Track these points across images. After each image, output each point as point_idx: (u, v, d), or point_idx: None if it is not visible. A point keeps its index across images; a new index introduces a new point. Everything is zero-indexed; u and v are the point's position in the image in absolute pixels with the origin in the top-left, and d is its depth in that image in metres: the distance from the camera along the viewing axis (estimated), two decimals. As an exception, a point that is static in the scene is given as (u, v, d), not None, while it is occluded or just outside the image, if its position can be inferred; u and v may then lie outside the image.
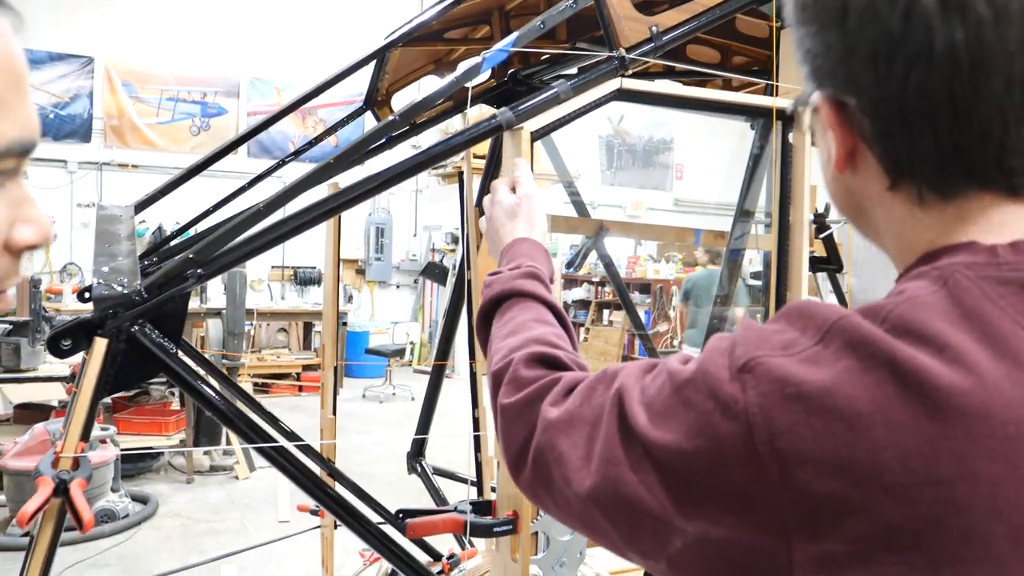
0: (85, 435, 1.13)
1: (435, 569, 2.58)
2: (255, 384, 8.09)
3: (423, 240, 11.17)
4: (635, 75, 1.52)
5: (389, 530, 1.49)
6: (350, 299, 10.27)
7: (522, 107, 1.32)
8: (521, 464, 0.77)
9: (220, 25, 9.60)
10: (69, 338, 1.13)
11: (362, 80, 2.48)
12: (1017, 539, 0.52)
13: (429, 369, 10.47)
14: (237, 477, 5.70)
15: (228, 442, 5.94)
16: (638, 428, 0.63)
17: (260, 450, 1.23)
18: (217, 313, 6.73)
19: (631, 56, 1.41)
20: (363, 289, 10.78)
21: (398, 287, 11.12)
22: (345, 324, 9.56)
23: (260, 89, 9.92)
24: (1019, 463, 0.52)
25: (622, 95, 1.42)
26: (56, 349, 1.11)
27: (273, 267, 9.96)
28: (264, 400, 8.11)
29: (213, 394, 1.23)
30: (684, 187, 12.56)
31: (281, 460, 1.25)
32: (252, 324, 8.45)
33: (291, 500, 5.22)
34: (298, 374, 8.97)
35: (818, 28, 0.63)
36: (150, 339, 1.17)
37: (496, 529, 1.34)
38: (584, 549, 1.47)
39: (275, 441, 1.25)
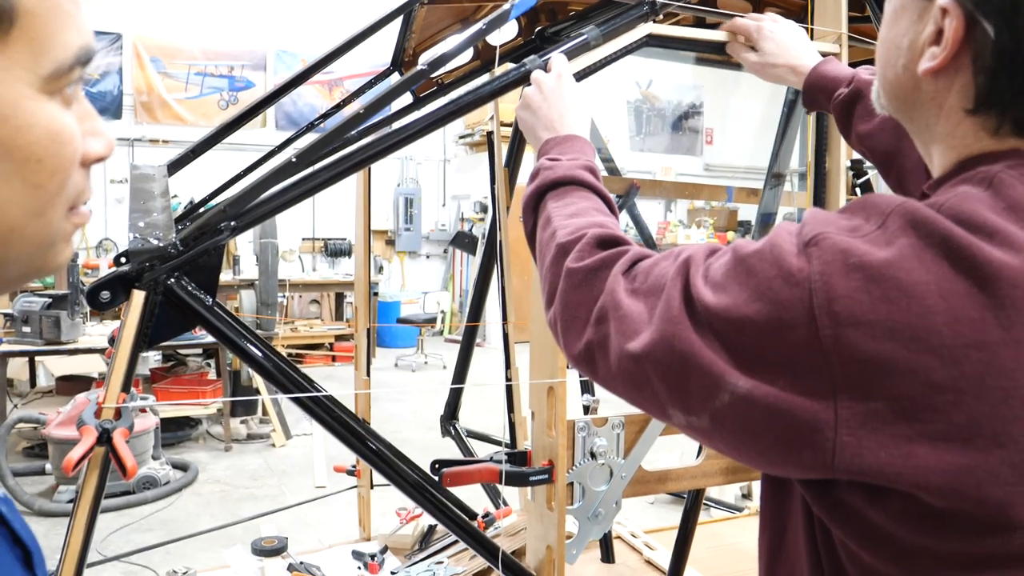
0: (126, 386, 1.15)
1: (470, 528, 2.60)
2: (289, 354, 8.18)
3: (452, 210, 11.16)
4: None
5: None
6: (380, 270, 10.32)
7: (551, 53, 1.30)
8: (578, 325, 0.79)
9: (245, -2, 9.59)
10: (108, 290, 1.15)
11: (388, 49, 2.47)
12: None
13: (460, 338, 10.57)
14: (274, 445, 5.79)
15: (264, 412, 6.03)
16: (700, 295, 0.66)
17: (299, 401, 1.24)
18: (250, 284, 6.81)
19: (661, 1, 1.38)
20: (393, 260, 10.82)
21: (428, 257, 11.14)
22: (376, 294, 9.63)
23: (287, 62, 9.92)
24: None
25: (652, 41, 1.40)
26: (95, 301, 1.13)
27: (304, 239, 10.03)
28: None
29: (250, 345, 1.24)
30: (714, 152, 12.39)
31: (320, 412, 1.26)
32: (285, 295, 8.53)
33: (327, 466, 5.31)
34: (331, 344, 9.06)
35: None
36: (186, 291, 1.18)
37: (532, 478, 1.35)
38: (620, 499, 1.48)
39: (314, 393, 1.26)
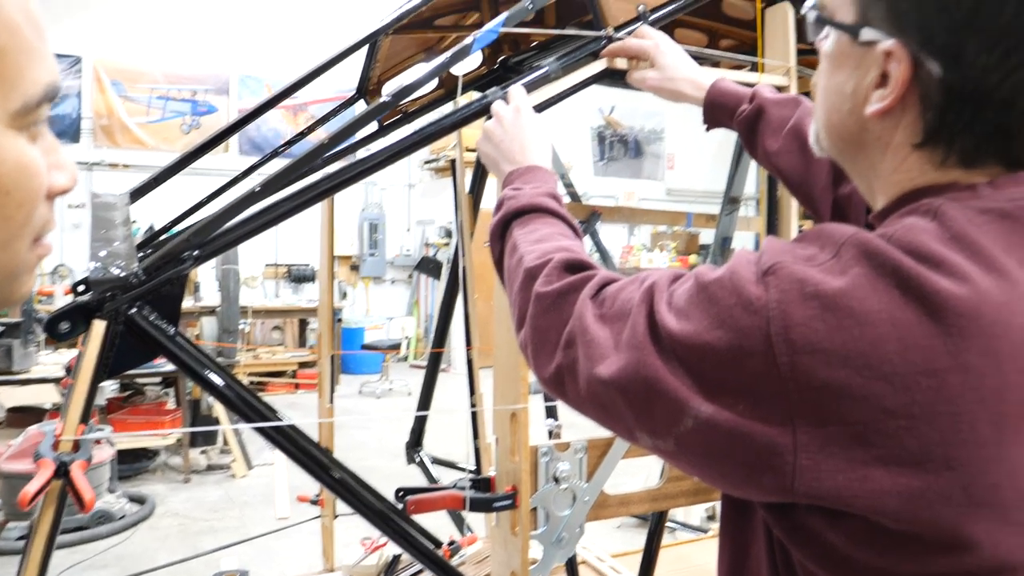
0: (85, 418, 1.14)
1: (435, 556, 2.59)
2: (251, 382, 8.08)
3: (417, 235, 11.16)
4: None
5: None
6: (344, 295, 10.26)
7: (512, 85, 1.33)
8: (548, 349, 0.81)
9: (209, 22, 9.56)
10: (67, 320, 1.14)
11: (352, 75, 2.48)
12: (998, 424, 0.58)
13: (425, 364, 10.46)
14: (234, 475, 5.70)
15: (225, 442, 5.94)
16: (664, 322, 0.68)
17: (262, 431, 1.23)
18: (212, 311, 6.73)
19: (618, 36, 1.42)
20: (357, 285, 10.77)
21: (392, 282, 11.11)
22: (340, 320, 9.55)
23: (251, 87, 9.89)
24: (1002, 358, 0.58)
25: (611, 74, 1.43)
26: (54, 331, 1.12)
27: (267, 265, 9.95)
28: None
29: (213, 375, 1.23)
30: (676, 176, 12.57)
31: (283, 441, 1.26)
32: (247, 322, 8.44)
33: (290, 496, 5.23)
34: (294, 372, 8.97)
35: None
36: (148, 321, 1.17)
37: (496, 504, 1.36)
38: (583, 524, 1.49)
39: (278, 422, 1.26)
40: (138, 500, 4.98)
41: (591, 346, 0.75)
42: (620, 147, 12.20)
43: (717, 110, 1.25)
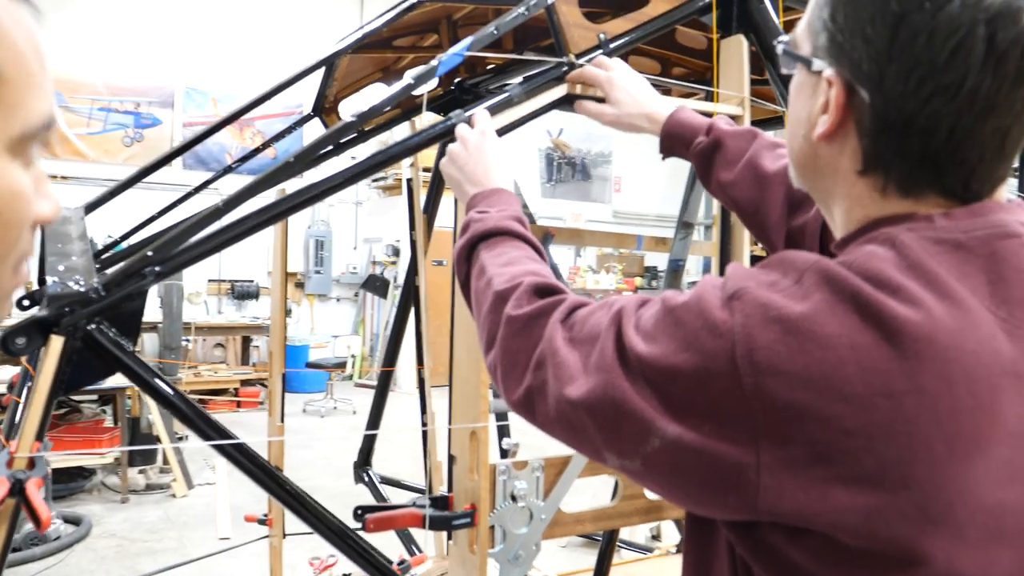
0: (40, 435, 1.12)
1: (385, 576, 2.58)
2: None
3: (363, 253, 11.09)
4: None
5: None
6: (289, 313, 10.12)
7: (476, 108, 1.36)
8: (518, 371, 0.83)
9: (153, 33, 9.41)
10: (23, 336, 1.12)
11: (300, 90, 2.48)
12: (951, 444, 0.61)
13: (370, 382, 10.34)
14: (175, 495, 5.56)
15: (165, 461, 5.80)
16: (632, 345, 0.69)
17: (220, 448, 1.23)
18: (153, 327, 6.57)
19: (580, 62, 1.45)
20: (302, 303, 10.64)
21: (338, 300, 11.01)
22: (285, 340, 9.41)
23: (196, 100, 9.75)
24: (955, 381, 0.61)
25: (572, 99, 1.47)
26: (9, 347, 1.10)
27: (210, 280, 9.77)
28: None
29: (170, 392, 1.22)
30: (622, 199, 12.76)
31: (241, 458, 1.25)
32: (189, 339, 8.27)
33: (231, 516, 5.13)
34: (236, 390, 8.80)
35: (867, 21, 0.68)
36: (107, 337, 1.16)
37: (455, 522, 1.36)
38: (539, 541, 1.50)
39: (234, 439, 1.25)
40: (73, 521, 4.82)
41: (561, 368, 0.76)
42: (568, 169, 12.34)
43: (674, 141, 1.27)
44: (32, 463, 1.09)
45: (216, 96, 9.83)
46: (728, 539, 0.73)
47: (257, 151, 2.64)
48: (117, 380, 5.31)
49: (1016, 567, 0.64)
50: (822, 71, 0.72)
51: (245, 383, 8.85)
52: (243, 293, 9.92)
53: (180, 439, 6.01)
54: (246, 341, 9.60)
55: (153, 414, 5.66)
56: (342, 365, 9.16)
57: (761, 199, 1.12)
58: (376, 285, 10.29)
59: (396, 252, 10.39)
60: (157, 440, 5.72)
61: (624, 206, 12.67)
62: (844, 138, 0.73)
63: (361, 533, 1.40)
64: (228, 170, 2.57)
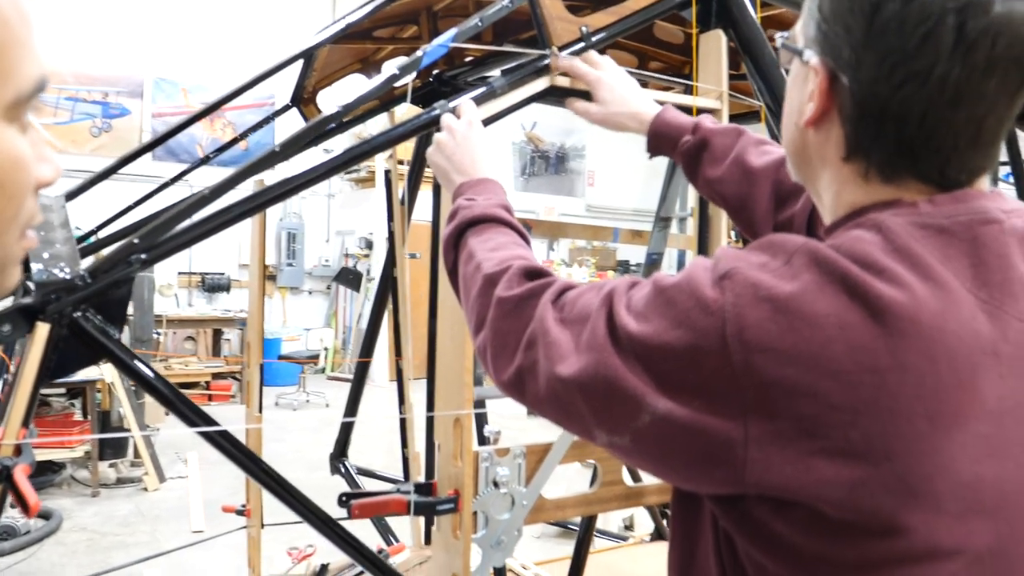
0: (26, 421, 1.12)
1: (359, 569, 2.59)
2: (162, 394, 7.82)
3: (336, 246, 11.04)
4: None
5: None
6: (261, 306, 10.06)
7: (458, 100, 1.37)
8: (508, 352, 0.84)
9: (122, 22, 9.27)
10: (8, 323, 1.12)
11: (272, 82, 2.47)
12: (932, 419, 0.63)
13: (343, 375, 10.29)
14: (146, 489, 5.51)
15: (136, 454, 5.74)
16: (624, 324, 0.71)
17: (206, 434, 1.23)
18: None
19: (562, 55, 1.47)
20: (274, 295, 10.57)
21: (311, 293, 10.95)
22: (263, 331, 9.35)
23: (165, 90, 9.63)
24: (938, 359, 0.64)
25: (554, 91, 1.49)
26: (-5, 334, 1.10)
27: (180, 273, 9.67)
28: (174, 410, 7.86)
29: (156, 379, 1.23)
30: (595, 193, 12.82)
31: (226, 444, 1.26)
32: (160, 332, 8.18)
33: (204, 510, 5.10)
34: (207, 383, 8.73)
35: (848, 10, 0.71)
36: (93, 324, 1.16)
37: (439, 508, 1.38)
38: (521, 527, 1.53)
39: (218, 426, 1.26)
40: (43, 515, 4.77)
41: (552, 347, 0.78)
42: (541, 163, 12.37)
43: (660, 141, 1.30)
44: (19, 450, 1.09)
45: (186, 86, 9.71)
46: (713, 514, 0.75)
47: (233, 143, 2.64)
48: (87, 373, 5.27)
49: (992, 538, 0.66)
50: (810, 62, 0.75)
51: (216, 376, 8.78)
52: (214, 286, 9.84)
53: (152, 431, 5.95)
54: (217, 334, 9.52)
55: (124, 407, 5.60)
56: (314, 358, 9.13)
57: (748, 194, 1.15)
58: (349, 278, 10.25)
59: (369, 245, 10.35)
60: (128, 433, 5.66)
61: (597, 200, 12.73)
62: (829, 125, 0.76)
63: (342, 522, 1.42)
64: (205, 161, 2.56)
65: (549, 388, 0.78)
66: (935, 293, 0.65)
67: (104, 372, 5.46)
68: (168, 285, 9.25)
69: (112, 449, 5.66)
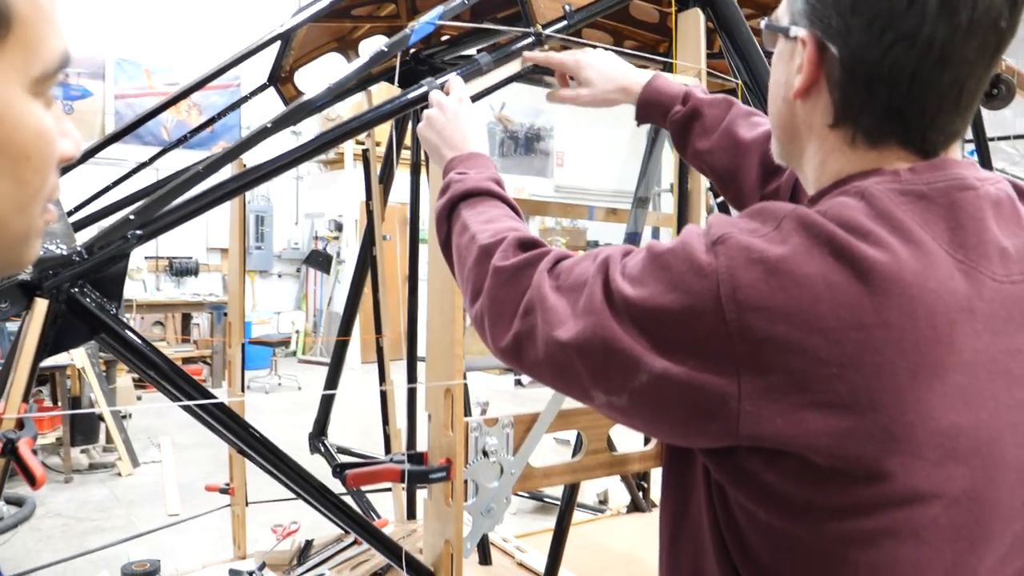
0: (26, 396, 1.13)
1: (347, 540, 2.63)
2: (133, 380, 7.75)
3: (305, 228, 10.96)
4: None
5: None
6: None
7: (447, 77, 1.39)
8: (505, 320, 0.87)
9: (83, 1, 9.07)
10: (6, 299, 1.13)
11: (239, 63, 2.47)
12: (914, 371, 0.68)
13: (315, 358, 10.21)
14: (120, 474, 5.48)
15: (108, 439, 5.70)
16: (620, 289, 0.75)
17: (203, 408, 1.25)
18: (91, 305, 6.41)
19: (547, 32, 1.50)
20: (244, 280, 10.48)
21: (280, 276, 10.88)
22: (225, 315, 9.29)
23: (128, 71, 9.45)
24: (918, 315, 0.68)
25: (538, 68, 1.52)
26: (-5, 310, 1.11)
27: (147, 258, 9.55)
28: (144, 395, 7.79)
29: (155, 356, 1.25)
30: (564, 174, 12.86)
31: (224, 418, 1.28)
32: (128, 317, 8.09)
33: (180, 493, 5.08)
34: (177, 368, 8.65)
35: None
36: (90, 299, 1.18)
37: (432, 476, 1.42)
38: (509, 495, 1.57)
39: (214, 400, 1.28)
40: (16, 502, 4.72)
41: (550, 313, 0.81)
42: (510, 143, 12.37)
43: (651, 109, 1.31)
44: (21, 423, 1.11)
45: (149, 67, 9.55)
46: (705, 468, 0.79)
47: (207, 124, 2.63)
48: (56, 358, 5.21)
49: (968, 483, 0.71)
50: (797, 36, 0.79)
51: (187, 360, 8.71)
52: (182, 270, 9.73)
53: (124, 417, 5.91)
54: (186, 318, 9.43)
55: (95, 392, 5.56)
56: (286, 341, 9.08)
57: (737, 166, 1.18)
58: (319, 260, 10.20)
59: (339, 227, 10.30)
60: (100, 419, 5.62)
61: (567, 181, 12.77)
62: (817, 95, 0.79)
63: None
64: (179, 143, 2.56)
65: (547, 352, 0.81)
66: (915, 255, 0.69)
67: (74, 357, 5.41)
68: (137, 269, 9.13)
69: (83, 435, 5.61)
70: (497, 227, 0.98)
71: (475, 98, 1.45)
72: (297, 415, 6.70)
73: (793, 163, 0.88)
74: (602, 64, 1.36)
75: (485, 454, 1.53)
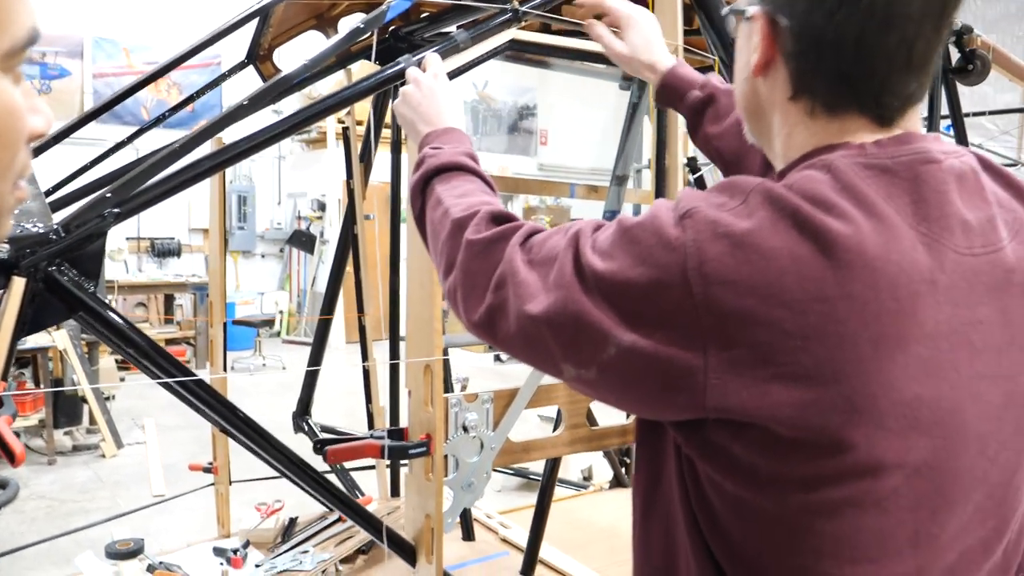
0: (4, 375, 1.14)
1: (331, 518, 2.65)
2: (116, 361, 7.72)
3: (288, 208, 10.90)
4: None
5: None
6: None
7: (424, 53, 1.39)
8: (478, 292, 0.88)
9: (57, -20, 8.94)
10: (-17, 278, 1.13)
11: (221, 42, 2.45)
12: (876, 343, 0.69)
13: (299, 339, 10.19)
14: (104, 455, 5.47)
15: (92, 421, 5.68)
16: (589, 262, 0.76)
17: (182, 384, 1.26)
18: (72, 286, 6.38)
19: (524, 9, 1.50)
20: (226, 259, 10.42)
21: (263, 256, 10.82)
22: (208, 296, 9.25)
23: (106, 49, 9.32)
24: (880, 287, 0.69)
25: (515, 45, 1.52)
26: (-28, 289, 1.11)
27: (129, 239, 9.48)
28: (128, 377, 7.76)
29: (134, 333, 1.25)
30: (548, 152, 12.84)
31: (206, 396, 1.29)
32: (111, 298, 8.04)
33: (164, 474, 5.09)
34: (160, 349, 8.62)
35: None
36: (68, 278, 1.18)
37: (412, 451, 1.43)
38: (489, 470, 1.59)
39: (194, 377, 1.29)
40: (-1, 484, 4.72)
41: (521, 287, 0.82)
42: (494, 122, 12.32)
43: (670, 93, 1.31)
44: (0, 401, 1.11)
45: (128, 46, 9.42)
46: (676, 442, 0.80)
47: (185, 103, 2.61)
48: (37, 340, 5.19)
49: (929, 453, 0.72)
50: (752, 14, 0.80)
51: (170, 342, 8.68)
52: (164, 251, 9.66)
53: (107, 399, 5.90)
54: (169, 299, 9.38)
55: (77, 374, 5.53)
56: (269, 322, 9.06)
57: (744, 151, 1.19)
58: (302, 240, 10.16)
59: (322, 207, 10.25)
60: (83, 401, 5.60)
61: (550, 159, 12.75)
62: (775, 69, 0.81)
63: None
64: (157, 122, 2.54)
65: (519, 326, 0.82)
66: (878, 227, 0.70)
67: (56, 339, 5.38)
68: (119, 250, 9.07)
69: (67, 417, 5.60)
70: (470, 201, 0.99)
71: (454, 74, 1.45)
72: (282, 395, 6.69)
73: (763, 141, 0.89)
74: (649, 32, 1.34)
75: (465, 429, 1.54)
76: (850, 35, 0.74)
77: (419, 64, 1.32)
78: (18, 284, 1.14)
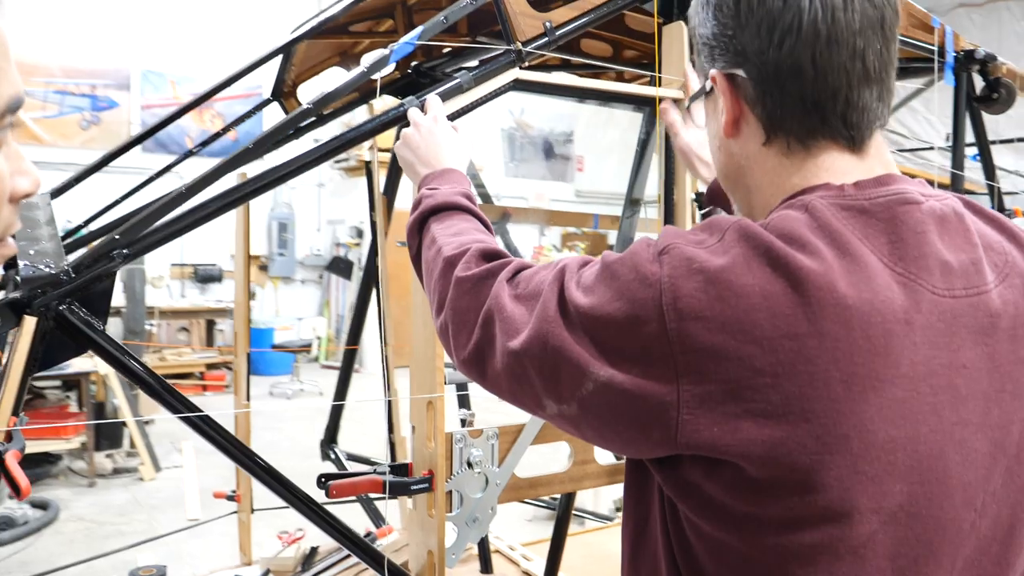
0: (16, 410, 1.18)
1: (347, 552, 2.66)
2: (157, 385, 7.88)
3: (327, 235, 11.07)
4: (535, 67, 1.64)
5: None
6: (253, 296, 10.10)
7: (428, 95, 1.42)
8: (467, 329, 0.90)
9: (108, 14, 9.26)
10: (-3, 317, 1.18)
11: (261, 73, 2.52)
12: (848, 382, 0.68)
13: (337, 364, 10.32)
14: (142, 478, 5.58)
15: (132, 444, 5.81)
16: (572, 298, 0.78)
17: (189, 421, 1.29)
18: (116, 312, 6.55)
19: (527, 49, 1.53)
20: (266, 285, 10.61)
21: (303, 282, 10.99)
22: (249, 321, 9.41)
23: (153, 82, 9.63)
24: (852, 326, 0.69)
25: (519, 85, 1.54)
26: (-16, 328, 1.16)
27: (173, 265, 9.71)
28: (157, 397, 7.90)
29: (139, 368, 1.29)
30: (585, 178, 12.86)
31: (210, 431, 1.32)
32: (153, 323, 8.22)
33: (200, 498, 5.17)
34: (201, 373, 8.78)
35: (714, 13, 0.81)
36: (78, 317, 1.22)
37: (413, 487, 1.45)
38: (495, 505, 1.59)
39: (201, 412, 1.32)
40: (41, 505, 4.84)
41: (507, 322, 0.84)
42: (530, 149, 12.39)
43: (718, 195, 1.31)
44: (9, 436, 1.15)
45: (174, 78, 9.71)
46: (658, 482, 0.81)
47: (218, 135, 2.68)
48: (81, 365, 5.33)
49: (906, 499, 0.70)
50: (710, 80, 0.83)
51: (211, 367, 8.84)
52: (206, 276, 9.88)
53: (146, 422, 6.02)
54: (210, 324, 9.57)
55: (118, 398, 5.67)
56: (307, 347, 9.18)
57: None
58: (340, 267, 10.30)
59: (360, 233, 10.39)
60: (123, 424, 5.73)
61: (587, 185, 12.77)
62: (745, 123, 0.83)
63: (328, 507, 1.48)
64: (190, 154, 2.61)
65: (504, 362, 0.83)
66: (851, 266, 0.71)
67: (98, 364, 5.52)
68: (160, 277, 9.28)
69: (108, 440, 5.73)
70: (463, 239, 1.01)
71: (458, 114, 1.48)
72: (318, 421, 6.71)
73: (746, 204, 0.89)
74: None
75: (470, 465, 1.55)
76: (805, 59, 0.76)
77: (421, 106, 1.36)
78: (29, 323, 1.18)
